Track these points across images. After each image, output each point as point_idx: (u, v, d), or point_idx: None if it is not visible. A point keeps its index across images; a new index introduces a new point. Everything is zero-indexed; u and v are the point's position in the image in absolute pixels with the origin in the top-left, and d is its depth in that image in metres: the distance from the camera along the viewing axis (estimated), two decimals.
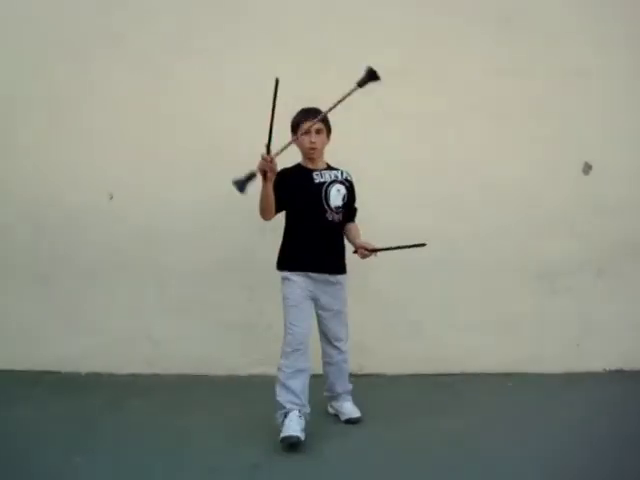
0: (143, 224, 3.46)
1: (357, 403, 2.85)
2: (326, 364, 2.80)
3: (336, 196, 2.68)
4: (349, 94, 2.44)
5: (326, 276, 2.67)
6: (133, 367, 3.46)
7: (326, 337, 2.75)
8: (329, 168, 2.75)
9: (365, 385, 3.14)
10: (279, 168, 2.54)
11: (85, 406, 3.03)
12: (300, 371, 2.57)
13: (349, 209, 2.77)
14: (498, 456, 2.45)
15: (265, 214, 2.59)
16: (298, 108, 2.70)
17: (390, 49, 3.37)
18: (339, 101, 2.45)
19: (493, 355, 3.44)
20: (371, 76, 2.46)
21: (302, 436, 2.48)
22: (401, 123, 3.40)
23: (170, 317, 3.48)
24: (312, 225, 2.63)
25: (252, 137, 3.31)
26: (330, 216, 2.66)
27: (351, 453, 2.51)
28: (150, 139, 3.46)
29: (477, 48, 3.42)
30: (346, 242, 2.77)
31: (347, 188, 2.74)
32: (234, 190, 3.22)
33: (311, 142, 2.62)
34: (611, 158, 3.44)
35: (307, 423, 2.57)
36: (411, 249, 2.62)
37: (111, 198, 3.49)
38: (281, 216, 2.70)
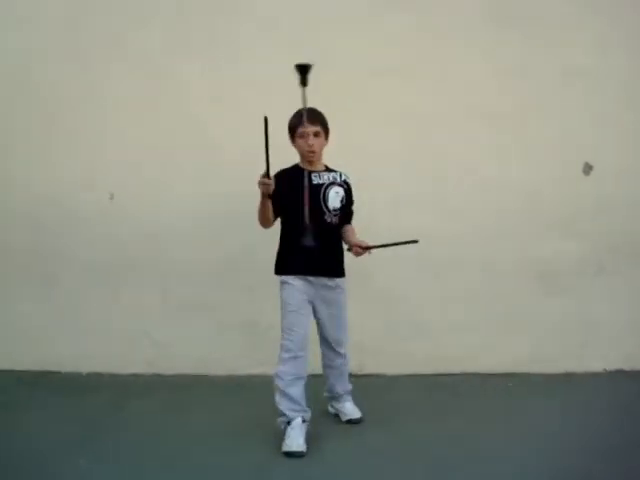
0: (143, 224, 3.46)
1: (357, 403, 2.85)
2: (326, 367, 2.79)
3: (334, 198, 2.67)
4: (305, 99, 2.42)
5: (325, 280, 2.65)
6: (134, 367, 3.46)
7: (326, 341, 2.74)
8: (327, 170, 2.73)
9: (365, 385, 3.14)
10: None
11: (86, 406, 3.03)
12: (300, 378, 2.56)
13: (346, 211, 2.76)
14: (498, 456, 2.45)
15: (265, 224, 2.61)
16: (298, 108, 2.69)
17: (390, 49, 3.38)
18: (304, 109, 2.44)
19: (493, 355, 3.44)
20: (302, 70, 2.42)
21: (305, 448, 2.48)
22: (401, 123, 3.40)
23: (171, 317, 3.48)
24: (312, 226, 2.59)
25: (252, 137, 3.34)
26: (328, 218, 2.64)
27: (352, 453, 2.51)
28: (150, 139, 3.46)
29: (477, 48, 3.42)
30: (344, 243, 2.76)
31: (345, 190, 2.72)
32: (233, 191, 3.26)
33: (309, 145, 2.60)
34: (611, 158, 3.44)
35: (308, 425, 2.57)
36: (405, 246, 2.60)
37: (111, 198, 3.49)
38: None
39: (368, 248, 2.64)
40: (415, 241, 2.55)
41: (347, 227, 2.77)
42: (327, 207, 2.64)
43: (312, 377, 2.66)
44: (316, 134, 2.61)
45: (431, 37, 3.41)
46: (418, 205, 3.39)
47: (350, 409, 2.82)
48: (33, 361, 3.45)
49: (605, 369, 3.49)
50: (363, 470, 2.37)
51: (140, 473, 2.35)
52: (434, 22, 3.42)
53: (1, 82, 3.49)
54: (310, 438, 2.53)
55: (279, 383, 2.55)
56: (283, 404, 2.54)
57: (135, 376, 3.43)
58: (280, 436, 2.52)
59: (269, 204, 2.52)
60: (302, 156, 2.67)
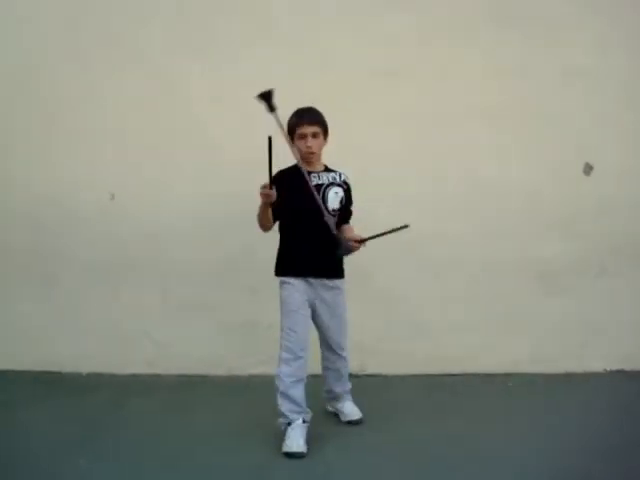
0: (143, 224, 3.46)
1: (357, 403, 2.85)
2: (326, 368, 2.78)
3: (334, 198, 2.66)
4: (279, 122, 2.45)
5: (324, 281, 2.64)
6: (134, 367, 3.46)
7: (327, 343, 2.73)
8: (327, 170, 2.72)
9: (365, 385, 3.14)
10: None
11: (86, 406, 3.03)
12: (300, 379, 2.56)
13: (345, 211, 2.76)
14: (498, 456, 2.45)
15: (265, 229, 2.62)
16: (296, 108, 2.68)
17: (390, 49, 3.38)
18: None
19: (493, 355, 3.44)
20: (264, 97, 2.43)
21: (305, 449, 2.48)
22: (401, 123, 3.40)
23: (171, 317, 3.48)
24: (310, 227, 2.59)
25: (252, 137, 3.34)
26: (328, 219, 2.62)
27: (351, 453, 2.51)
28: (150, 139, 3.46)
29: (477, 48, 3.42)
30: None
31: (345, 191, 2.72)
32: (233, 191, 3.26)
33: (307, 147, 2.59)
34: (611, 158, 3.44)
35: (309, 426, 2.58)
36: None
37: (112, 198, 3.49)
38: None
39: (363, 241, 2.62)
40: (406, 226, 2.54)
41: (345, 226, 2.78)
42: (326, 208, 2.62)
43: (312, 377, 2.66)
44: (314, 135, 2.60)
45: (431, 37, 3.41)
46: (418, 205, 3.38)
47: (350, 410, 2.82)
48: (33, 361, 3.45)
49: (605, 369, 3.49)
50: (363, 470, 2.37)
51: (140, 473, 2.36)
52: (434, 22, 3.42)
53: (1, 82, 3.49)
54: (310, 438, 2.53)
55: (280, 385, 2.55)
56: (284, 405, 2.54)
57: (135, 376, 3.43)
58: (280, 436, 2.52)
59: (269, 211, 2.53)
60: (301, 156, 2.66)
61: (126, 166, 3.46)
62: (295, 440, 2.48)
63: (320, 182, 2.65)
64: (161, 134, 3.45)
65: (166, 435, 2.68)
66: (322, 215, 2.59)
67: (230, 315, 3.43)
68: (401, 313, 3.46)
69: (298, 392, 2.55)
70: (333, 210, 2.65)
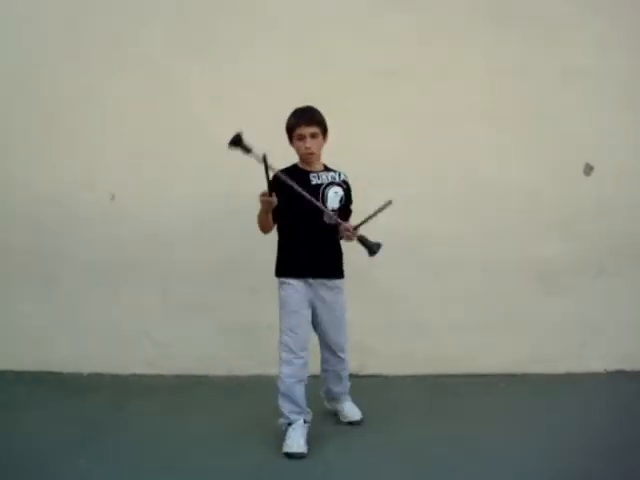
0: (143, 224, 3.46)
1: (357, 404, 2.85)
2: (325, 370, 2.77)
3: (333, 198, 2.65)
4: (259, 160, 2.44)
5: (324, 281, 2.63)
6: (134, 367, 3.46)
7: (326, 345, 2.71)
8: (326, 170, 2.72)
9: (365, 385, 3.14)
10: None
11: (86, 406, 3.03)
12: (301, 380, 2.56)
13: (345, 211, 2.74)
14: (498, 456, 2.45)
15: (265, 231, 2.63)
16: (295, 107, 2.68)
17: (390, 49, 3.38)
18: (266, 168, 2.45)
19: (493, 355, 3.44)
20: (236, 143, 2.47)
21: (306, 449, 2.48)
22: (401, 123, 3.40)
23: (171, 317, 3.48)
24: (309, 228, 2.59)
25: (252, 137, 3.34)
26: (327, 219, 2.61)
27: (352, 454, 2.51)
28: (150, 139, 3.46)
29: (477, 48, 3.42)
30: (343, 244, 2.74)
31: (344, 190, 2.71)
32: (233, 191, 3.26)
33: (306, 148, 2.58)
34: (611, 158, 3.44)
35: (309, 426, 2.58)
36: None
37: (112, 198, 3.48)
38: None
39: (356, 227, 2.60)
40: (389, 202, 2.53)
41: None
42: (326, 207, 2.61)
43: (312, 378, 2.66)
44: (313, 135, 2.59)
45: (431, 37, 3.41)
46: (418, 205, 3.38)
47: (350, 411, 2.82)
48: (33, 361, 3.45)
49: (605, 369, 3.49)
50: (363, 471, 2.37)
51: (140, 473, 2.36)
52: (434, 22, 3.42)
53: (1, 82, 3.49)
54: (311, 439, 2.54)
55: (281, 385, 2.55)
56: (285, 406, 2.54)
57: (136, 376, 3.43)
58: (280, 437, 2.53)
59: (270, 215, 2.54)
60: (300, 157, 2.66)
61: (126, 166, 3.46)
62: (296, 440, 2.48)
63: (319, 182, 2.65)
64: (161, 134, 3.45)
65: (166, 436, 2.68)
66: (321, 214, 2.58)
67: (230, 315, 3.43)
68: (401, 313, 3.46)
69: (299, 393, 2.55)
70: (333, 210, 2.65)
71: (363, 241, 2.59)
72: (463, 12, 3.42)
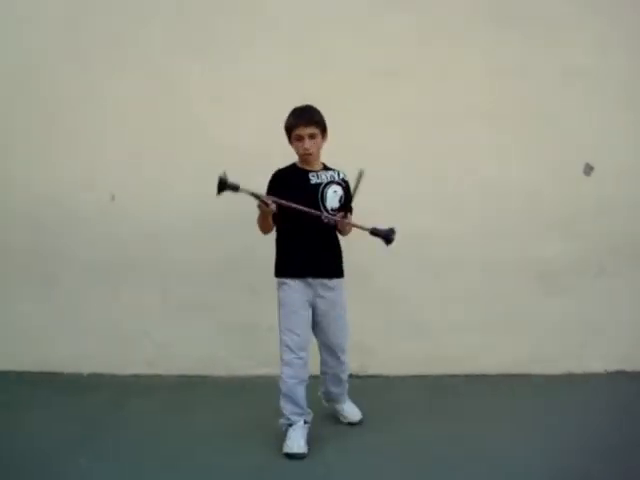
0: (143, 224, 3.46)
1: (357, 404, 2.85)
2: (324, 373, 2.75)
3: (332, 197, 2.64)
4: (249, 194, 2.46)
5: (324, 280, 2.62)
6: (134, 368, 3.46)
7: (326, 346, 2.69)
8: (325, 169, 2.71)
9: (365, 385, 3.15)
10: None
11: (86, 406, 3.03)
12: (302, 381, 2.56)
13: (345, 209, 2.68)
14: (499, 457, 2.46)
15: (265, 232, 2.63)
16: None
17: (390, 49, 3.38)
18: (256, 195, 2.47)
19: (493, 355, 3.44)
20: (223, 187, 2.44)
21: (306, 449, 2.48)
22: (401, 123, 3.40)
23: (171, 317, 3.48)
24: (308, 227, 2.58)
25: (252, 137, 3.35)
26: (326, 218, 2.60)
27: (352, 454, 2.51)
28: (150, 139, 3.46)
29: (477, 48, 3.42)
30: (343, 244, 2.73)
31: (343, 189, 2.69)
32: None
33: (304, 149, 2.58)
34: (611, 158, 3.44)
35: (310, 427, 2.58)
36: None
37: (113, 199, 3.48)
38: None
39: (345, 214, 2.59)
40: (362, 171, 2.52)
41: None
42: (325, 207, 2.61)
43: (312, 378, 2.66)
44: (311, 136, 2.58)
45: (431, 37, 3.41)
46: (418, 205, 3.39)
47: (350, 412, 2.82)
48: (33, 361, 3.45)
49: (606, 370, 3.48)
50: (364, 471, 2.37)
51: (140, 473, 2.36)
52: (434, 22, 3.42)
53: (1, 82, 3.49)
54: (311, 439, 2.54)
55: (282, 386, 2.55)
56: (286, 408, 2.55)
57: (136, 376, 3.42)
58: (281, 437, 2.53)
59: (270, 217, 2.54)
60: (299, 157, 2.66)
61: (126, 166, 3.46)
62: (296, 441, 2.48)
63: (319, 181, 2.64)
64: (161, 134, 3.45)
65: (166, 435, 2.68)
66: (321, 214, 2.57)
67: (230, 315, 3.43)
68: (401, 313, 3.46)
69: (300, 393, 2.55)
70: (332, 209, 2.63)
71: (376, 233, 2.57)
72: (463, 12, 3.42)
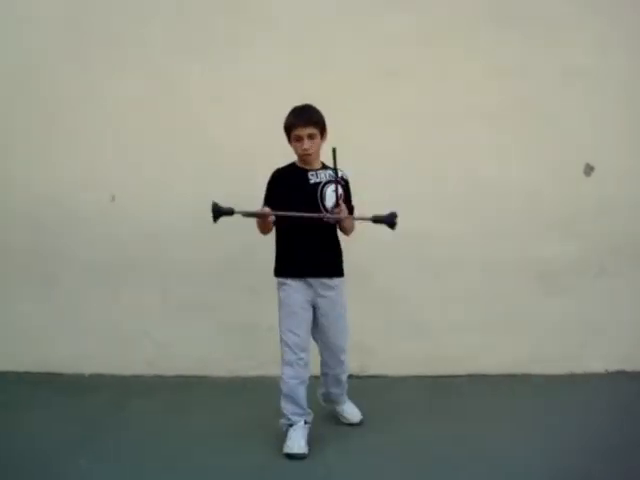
0: (143, 224, 3.46)
1: (358, 404, 2.85)
2: (324, 374, 2.74)
3: (331, 196, 2.61)
4: (244, 214, 2.50)
5: (324, 280, 2.61)
6: (135, 368, 3.45)
7: (327, 347, 2.68)
8: (324, 167, 2.69)
9: (365, 386, 3.15)
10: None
11: (86, 406, 3.03)
12: (303, 382, 2.56)
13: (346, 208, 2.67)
14: (499, 457, 2.46)
15: (264, 233, 2.62)
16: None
17: (390, 49, 3.38)
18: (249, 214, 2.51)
19: (493, 355, 3.44)
20: (219, 214, 2.48)
21: (307, 450, 2.48)
22: (401, 123, 3.40)
23: (171, 317, 3.48)
24: (307, 227, 2.56)
25: (252, 137, 3.35)
26: (328, 219, 2.58)
27: (353, 455, 2.51)
28: (150, 139, 3.46)
29: (477, 48, 3.42)
30: (343, 244, 2.73)
31: (343, 187, 2.67)
32: (233, 191, 3.25)
33: (303, 149, 2.57)
34: (612, 159, 3.44)
35: (310, 427, 2.58)
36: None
37: (113, 200, 3.48)
38: None
39: (338, 204, 2.56)
40: (334, 149, 2.50)
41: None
42: (324, 206, 2.60)
43: (313, 378, 2.66)
44: (310, 136, 2.57)
45: (431, 37, 3.41)
46: (418, 205, 3.38)
47: (350, 413, 2.82)
48: (33, 361, 3.44)
49: (606, 370, 3.48)
50: (364, 472, 2.37)
51: (141, 473, 2.36)
52: (434, 22, 3.41)
53: (1, 82, 3.48)
54: (311, 440, 2.54)
55: (283, 387, 2.55)
56: (287, 408, 2.54)
57: (136, 377, 3.42)
58: (281, 437, 2.53)
59: (270, 224, 2.54)
60: (298, 157, 2.66)
61: (126, 166, 3.46)
62: (296, 441, 2.48)
63: (318, 180, 2.63)
64: (161, 134, 3.45)
65: (167, 436, 2.68)
66: (320, 213, 2.56)
67: (230, 315, 3.43)
68: (401, 313, 3.46)
69: (301, 394, 2.55)
70: (332, 208, 2.62)
71: (379, 220, 2.56)
72: (463, 12, 3.42)
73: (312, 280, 2.60)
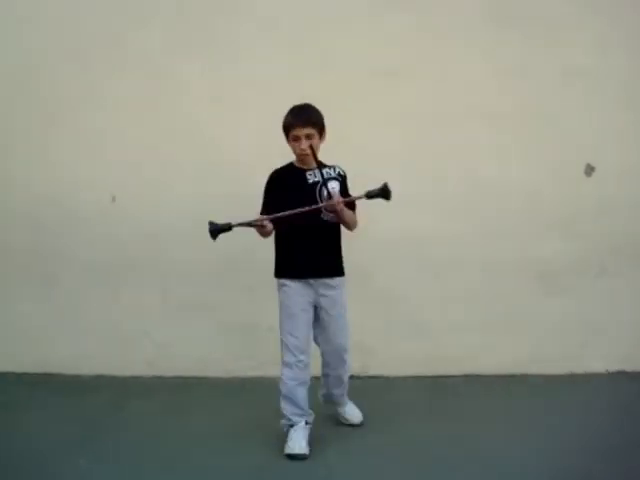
0: (143, 224, 3.46)
1: (358, 405, 2.84)
2: (325, 375, 2.73)
3: (331, 193, 2.59)
4: (243, 225, 2.49)
5: (325, 280, 2.61)
6: (134, 367, 3.45)
7: (329, 347, 2.66)
8: (322, 166, 2.67)
9: (365, 386, 3.14)
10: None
11: (86, 406, 3.03)
12: (303, 383, 2.55)
13: (346, 203, 2.60)
14: (499, 457, 2.45)
15: (265, 237, 2.61)
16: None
17: (390, 49, 3.38)
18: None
19: (493, 355, 3.43)
20: (217, 233, 2.50)
21: (308, 450, 2.48)
22: (401, 123, 3.40)
23: (171, 317, 3.48)
24: (307, 226, 2.55)
25: (252, 137, 3.35)
26: (325, 216, 2.58)
27: (353, 455, 2.51)
28: (150, 139, 3.46)
29: (477, 48, 3.42)
30: (343, 244, 2.71)
31: (340, 183, 2.66)
32: (233, 191, 3.26)
33: (301, 149, 2.56)
34: (612, 158, 3.44)
35: (311, 427, 2.58)
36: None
37: (113, 200, 3.48)
38: None
39: (327, 190, 2.56)
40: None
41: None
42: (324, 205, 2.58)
43: (313, 379, 2.66)
44: (308, 136, 2.56)
45: (431, 37, 3.41)
46: (418, 205, 3.38)
47: (351, 414, 2.81)
48: (33, 361, 3.44)
49: (606, 370, 3.48)
50: (364, 472, 2.37)
51: (140, 474, 2.36)
52: (434, 22, 3.41)
53: (1, 82, 3.48)
54: (312, 440, 2.53)
55: (282, 388, 2.55)
56: (287, 409, 2.54)
57: (136, 378, 3.42)
58: (282, 438, 2.52)
59: (269, 229, 2.53)
60: (296, 157, 2.65)
61: (126, 166, 3.46)
62: (297, 442, 2.48)
63: (316, 179, 2.62)
64: (161, 134, 3.45)
65: (166, 436, 2.68)
66: (319, 212, 2.55)
67: (230, 316, 3.42)
68: (401, 313, 3.46)
69: (300, 395, 2.54)
70: (326, 199, 2.58)
71: (373, 195, 2.53)
72: (463, 12, 3.41)
73: (313, 281, 2.59)
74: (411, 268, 3.44)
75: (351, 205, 2.67)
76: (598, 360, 3.47)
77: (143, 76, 3.43)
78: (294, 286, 2.58)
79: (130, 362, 3.46)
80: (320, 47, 3.38)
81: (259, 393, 3.06)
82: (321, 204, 2.54)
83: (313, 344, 2.66)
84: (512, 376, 3.39)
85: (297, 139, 2.57)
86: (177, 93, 3.43)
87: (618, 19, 3.42)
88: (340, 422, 2.82)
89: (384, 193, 2.53)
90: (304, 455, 2.46)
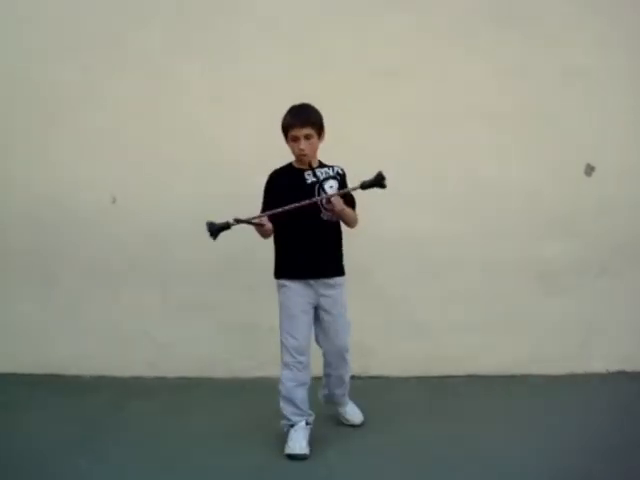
0: (143, 224, 3.46)
1: (359, 405, 2.85)
2: (327, 375, 2.73)
3: (329, 192, 2.58)
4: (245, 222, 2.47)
5: (325, 280, 2.60)
6: (134, 368, 3.45)
7: (330, 347, 2.66)
8: (321, 166, 2.69)
9: (365, 386, 3.14)
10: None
11: (86, 406, 3.03)
12: (303, 383, 2.55)
13: (346, 202, 2.62)
14: (499, 457, 2.45)
15: (265, 237, 2.60)
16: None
17: (390, 49, 3.38)
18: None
19: (493, 355, 3.43)
20: (216, 233, 2.50)
21: (308, 450, 2.48)
22: (401, 123, 3.40)
23: (171, 317, 3.48)
24: (307, 226, 2.56)
25: (252, 137, 3.35)
26: (324, 215, 2.58)
27: (353, 455, 2.51)
28: (150, 139, 3.46)
29: (477, 48, 3.42)
30: (343, 243, 2.71)
31: (339, 182, 2.66)
32: (233, 191, 3.26)
33: (300, 149, 2.56)
34: (612, 158, 3.44)
35: (311, 428, 2.58)
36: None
37: (114, 201, 3.48)
38: None
39: (315, 176, 2.58)
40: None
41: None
42: (323, 204, 2.58)
43: (314, 379, 2.66)
44: (307, 137, 2.56)
45: (431, 37, 3.41)
46: (418, 205, 3.38)
47: (352, 414, 2.81)
48: (33, 361, 3.44)
49: (607, 370, 3.48)
50: (365, 472, 2.37)
51: (140, 474, 2.36)
52: (434, 22, 3.41)
53: (1, 82, 3.48)
54: (312, 440, 2.53)
55: (282, 389, 2.55)
56: (286, 409, 2.54)
57: (136, 378, 3.42)
58: (282, 438, 2.52)
59: (269, 230, 2.53)
60: (295, 157, 2.65)
61: (126, 166, 3.46)
62: (298, 442, 2.48)
63: (315, 179, 2.62)
64: (161, 134, 3.45)
65: (166, 436, 2.68)
66: (319, 212, 2.56)
67: (230, 316, 3.42)
68: (401, 313, 3.46)
69: (300, 396, 2.54)
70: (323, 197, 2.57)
71: (368, 185, 2.50)
72: (463, 12, 3.41)
73: (313, 281, 2.59)
74: (411, 268, 3.44)
75: (351, 202, 2.67)
76: (598, 360, 3.48)
77: (143, 76, 3.43)
78: (294, 287, 2.58)
79: (130, 362, 3.46)
80: (320, 47, 3.38)
81: (259, 393, 3.06)
82: (318, 197, 2.54)
83: (313, 344, 2.66)
84: (512, 376, 3.39)
85: (296, 139, 2.56)
86: (177, 93, 3.43)
87: (618, 19, 3.42)
88: (341, 422, 2.83)
89: (379, 181, 2.49)
90: (304, 455, 2.46)
